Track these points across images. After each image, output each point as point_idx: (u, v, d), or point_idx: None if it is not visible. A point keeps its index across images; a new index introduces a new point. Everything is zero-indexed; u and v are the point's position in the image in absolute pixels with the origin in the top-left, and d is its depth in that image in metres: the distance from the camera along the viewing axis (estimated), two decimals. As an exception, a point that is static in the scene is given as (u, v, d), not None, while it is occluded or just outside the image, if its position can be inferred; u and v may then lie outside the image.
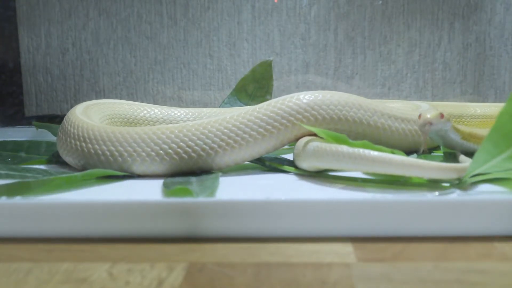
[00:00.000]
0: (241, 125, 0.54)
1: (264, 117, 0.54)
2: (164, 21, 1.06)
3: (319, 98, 0.56)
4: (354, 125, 0.56)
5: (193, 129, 0.53)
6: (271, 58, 0.89)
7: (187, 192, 0.43)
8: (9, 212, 0.39)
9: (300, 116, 0.55)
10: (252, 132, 0.54)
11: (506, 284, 0.31)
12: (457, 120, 0.81)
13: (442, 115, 0.50)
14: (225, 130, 0.53)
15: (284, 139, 0.55)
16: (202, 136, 0.53)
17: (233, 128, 0.53)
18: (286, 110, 0.55)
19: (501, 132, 0.45)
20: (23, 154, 0.65)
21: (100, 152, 0.53)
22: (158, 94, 1.07)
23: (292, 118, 0.55)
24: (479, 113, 0.82)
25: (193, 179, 0.50)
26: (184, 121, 0.73)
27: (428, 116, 0.50)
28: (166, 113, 0.73)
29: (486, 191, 0.45)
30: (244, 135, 0.53)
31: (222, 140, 0.53)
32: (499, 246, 0.36)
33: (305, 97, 0.56)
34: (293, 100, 0.55)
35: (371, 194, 0.44)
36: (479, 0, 1.01)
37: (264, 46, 1.04)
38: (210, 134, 0.53)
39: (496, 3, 1.01)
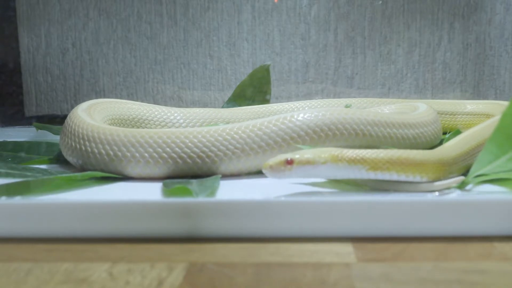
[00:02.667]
0: (240, 139, 0.53)
1: (264, 135, 0.54)
2: (164, 21, 1.06)
3: (313, 116, 0.55)
4: (350, 138, 0.56)
5: (191, 136, 0.52)
6: (268, 63, 0.89)
7: (187, 192, 0.43)
8: (9, 212, 0.39)
9: (303, 133, 0.54)
10: (253, 145, 0.53)
11: (506, 284, 0.31)
12: (451, 117, 0.81)
13: (290, 161, 0.43)
14: (224, 142, 0.53)
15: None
16: (199, 144, 0.52)
17: (232, 140, 0.53)
18: (284, 130, 0.54)
19: (504, 133, 0.45)
20: (23, 154, 0.65)
21: (96, 151, 0.53)
22: (158, 94, 1.07)
23: (295, 135, 0.54)
24: (470, 110, 0.81)
25: (193, 179, 0.50)
26: (190, 123, 0.72)
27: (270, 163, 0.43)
28: (169, 114, 0.72)
29: (486, 191, 0.45)
30: (245, 147, 0.53)
31: (220, 150, 0.52)
32: (499, 246, 0.36)
33: (304, 116, 0.55)
34: (293, 120, 0.55)
35: (371, 194, 0.44)
36: (479, 0, 1.01)
37: (264, 46, 1.04)
38: (207, 143, 0.52)
39: (496, 3, 1.01)
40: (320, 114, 0.55)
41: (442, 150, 0.49)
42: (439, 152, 0.47)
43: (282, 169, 0.43)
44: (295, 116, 0.55)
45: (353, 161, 0.44)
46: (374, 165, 0.44)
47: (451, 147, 0.49)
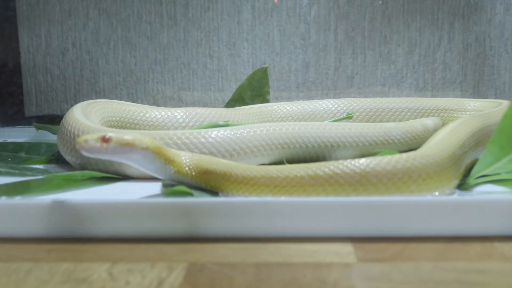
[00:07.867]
0: (238, 142, 0.54)
1: (269, 135, 0.56)
2: (164, 21, 1.06)
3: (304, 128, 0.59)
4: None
5: (192, 137, 0.53)
6: (266, 65, 0.89)
7: (186, 192, 0.43)
8: (9, 212, 0.39)
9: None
10: (257, 145, 0.55)
11: (506, 284, 0.31)
12: (452, 114, 0.81)
13: (106, 139, 0.41)
14: (223, 143, 0.53)
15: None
16: (200, 145, 0.53)
17: (230, 141, 0.54)
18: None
19: (505, 135, 0.45)
20: (23, 154, 0.65)
21: None
22: (158, 94, 1.07)
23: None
24: (472, 107, 0.81)
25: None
26: (186, 123, 0.72)
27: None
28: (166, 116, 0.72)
29: (486, 191, 0.45)
30: (248, 145, 0.54)
31: (219, 152, 0.53)
32: (499, 246, 0.36)
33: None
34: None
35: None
36: (479, 0, 1.01)
37: (264, 46, 1.04)
38: (208, 145, 0.53)
39: (496, 3, 1.01)
40: (296, 127, 0.59)
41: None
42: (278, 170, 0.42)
43: (98, 146, 0.41)
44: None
45: (169, 161, 0.44)
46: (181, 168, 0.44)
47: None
